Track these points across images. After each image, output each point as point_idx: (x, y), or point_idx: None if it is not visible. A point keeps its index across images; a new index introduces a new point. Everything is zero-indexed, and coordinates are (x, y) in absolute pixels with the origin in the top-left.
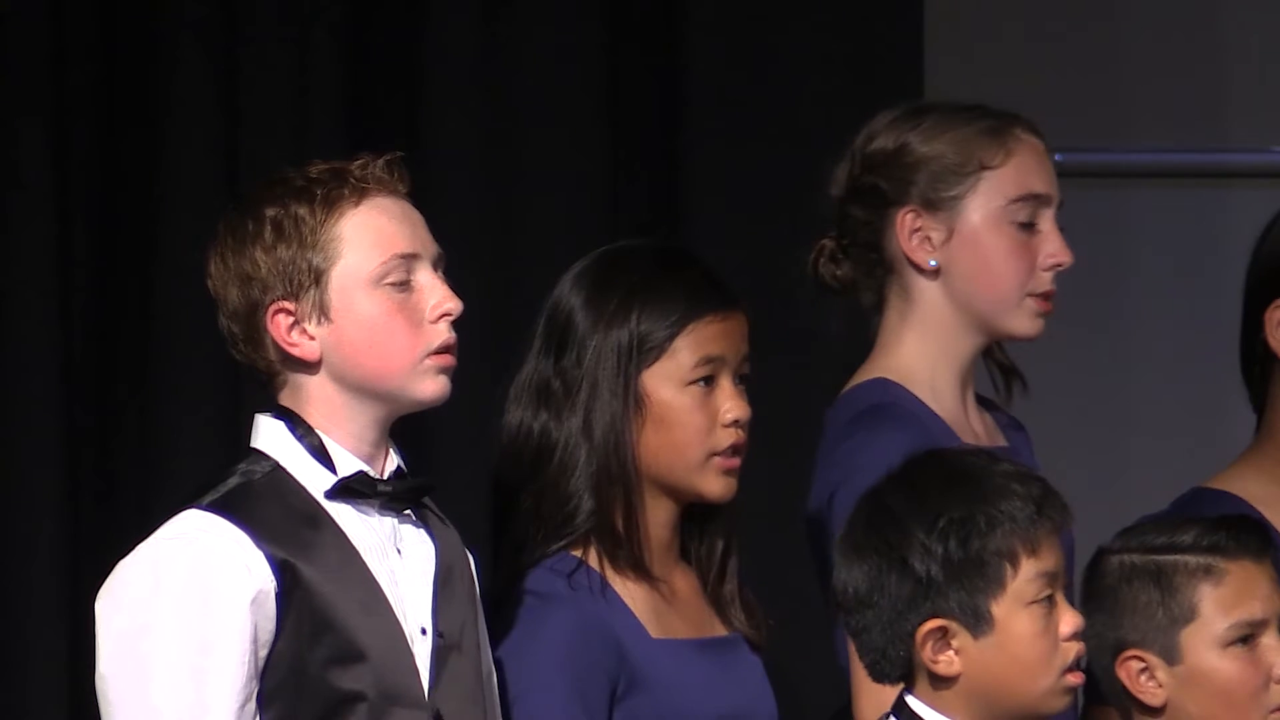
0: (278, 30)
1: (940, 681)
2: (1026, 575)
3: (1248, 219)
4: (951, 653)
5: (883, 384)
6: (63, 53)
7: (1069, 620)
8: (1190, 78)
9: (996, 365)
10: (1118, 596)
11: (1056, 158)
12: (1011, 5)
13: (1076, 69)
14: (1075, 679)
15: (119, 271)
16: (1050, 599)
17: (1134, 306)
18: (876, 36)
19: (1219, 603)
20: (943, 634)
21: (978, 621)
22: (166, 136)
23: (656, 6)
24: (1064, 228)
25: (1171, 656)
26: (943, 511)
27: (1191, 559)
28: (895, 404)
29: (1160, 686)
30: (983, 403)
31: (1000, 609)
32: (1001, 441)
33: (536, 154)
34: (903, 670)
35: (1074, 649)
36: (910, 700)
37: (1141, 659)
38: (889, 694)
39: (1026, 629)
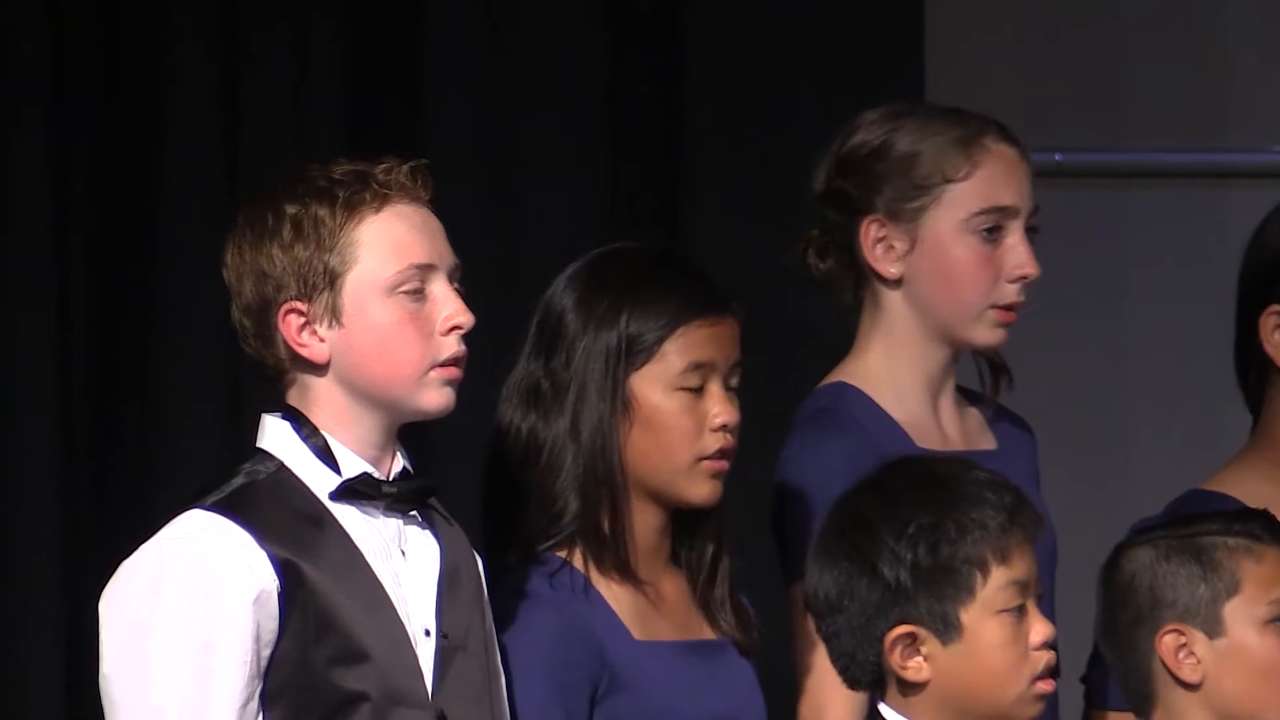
0: (278, 30)
1: (909, 688)
2: (997, 583)
3: (1248, 219)
4: (920, 659)
5: (839, 388)
6: (62, 52)
7: (1040, 630)
8: (1190, 78)
9: (985, 360)
10: (1155, 574)
11: (1056, 158)
12: (1011, 5)
13: (1076, 69)
14: (1046, 687)
15: (118, 271)
16: (1021, 608)
17: (1134, 306)
18: (876, 36)
19: (1260, 580)
20: (911, 640)
21: (946, 628)
22: (167, 136)
23: (657, 7)
24: (1038, 229)
25: (1214, 630)
26: (913, 518)
27: (1231, 539)
28: (840, 410)
29: (1199, 662)
30: (979, 402)
31: (969, 616)
32: (986, 445)
33: (536, 154)
34: (873, 676)
35: (1044, 658)
36: (882, 708)
37: (1181, 633)
38: (827, 700)
39: (996, 637)
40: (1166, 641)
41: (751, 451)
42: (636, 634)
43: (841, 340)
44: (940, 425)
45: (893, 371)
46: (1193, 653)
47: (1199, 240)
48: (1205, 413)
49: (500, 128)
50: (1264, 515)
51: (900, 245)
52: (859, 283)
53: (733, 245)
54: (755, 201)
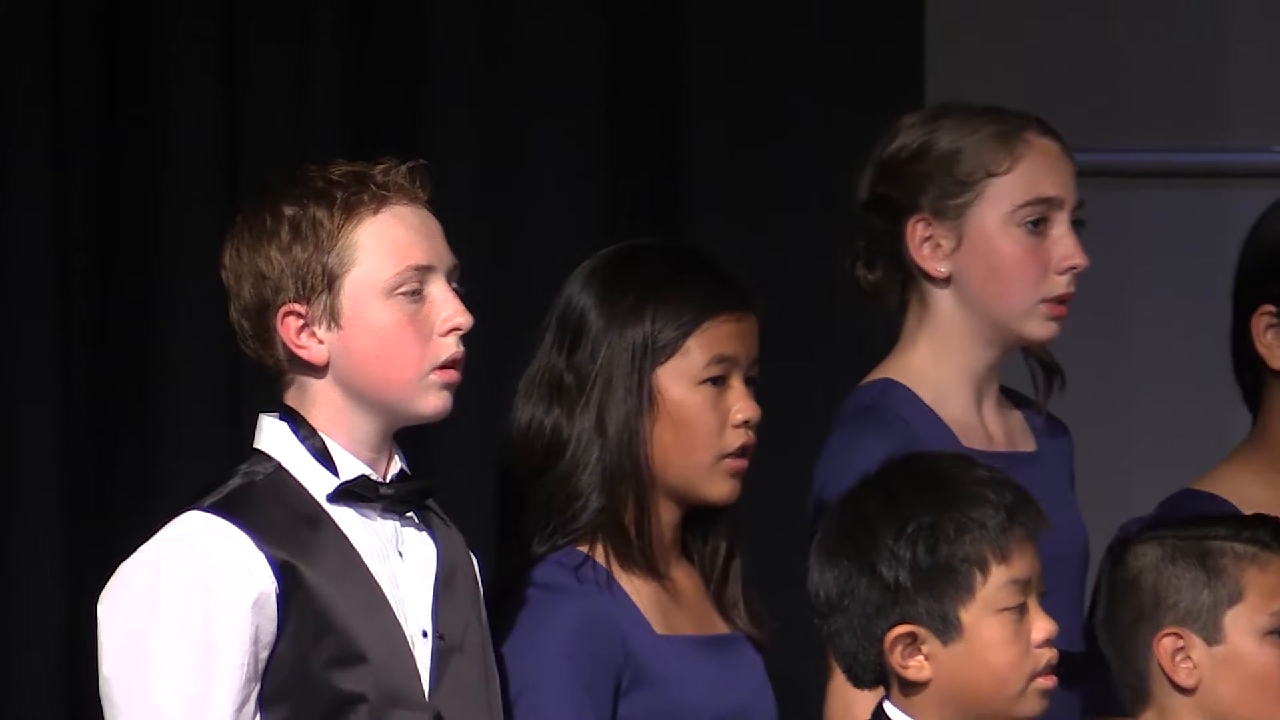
0: (278, 30)
1: (911, 687)
2: (997, 582)
3: (1248, 219)
4: (921, 658)
5: (885, 385)
6: (63, 53)
7: (1041, 627)
8: (1190, 78)
9: (1038, 361)
10: (1160, 575)
11: None
12: (1012, 5)
13: (1076, 69)
14: (1047, 682)
15: (118, 272)
16: (1022, 606)
17: (1134, 306)
18: (876, 36)
19: (1264, 590)
20: (912, 639)
21: (946, 628)
22: (167, 137)
23: (657, 7)
24: (1085, 224)
25: (1212, 636)
26: (912, 518)
27: (1239, 545)
28: (885, 407)
29: (1195, 667)
30: (1024, 404)
31: (969, 616)
32: (1027, 446)
33: (536, 154)
34: (875, 674)
35: (1045, 655)
36: (887, 706)
37: (1179, 636)
38: (854, 696)
39: (996, 636)
40: (1165, 644)
41: (758, 448)
42: (658, 628)
43: (849, 340)
44: (984, 425)
45: (939, 369)
46: (1189, 657)
47: (1199, 240)
48: (1205, 412)
49: (500, 128)
50: (1274, 522)
51: (947, 243)
52: (906, 286)
53: (733, 246)
54: (755, 201)
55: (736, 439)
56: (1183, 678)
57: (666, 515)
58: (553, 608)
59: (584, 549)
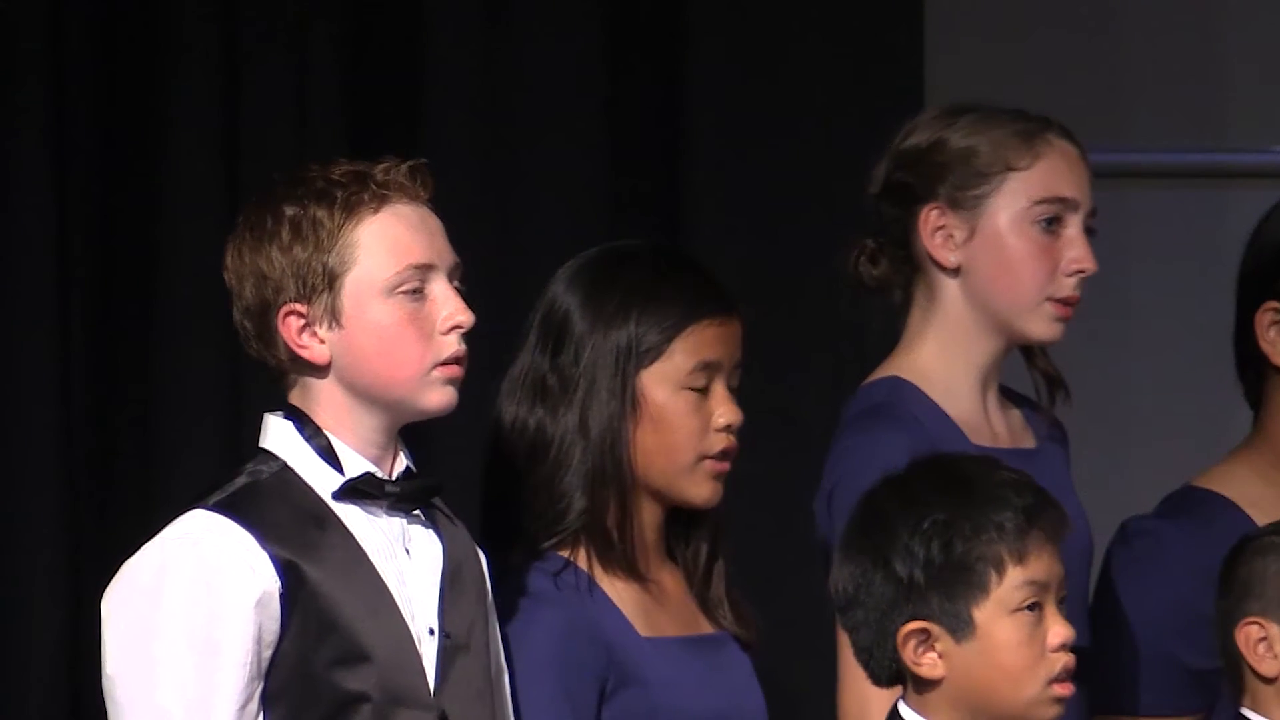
0: (278, 31)
1: (924, 685)
2: (1012, 583)
3: (1249, 219)
4: (934, 655)
5: (893, 382)
6: (63, 54)
7: (1058, 631)
8: (1190, 78)
9: (1040, 373)
10: (1253, 567)
11: None
12: (1012, 6)
13: (1076, 69)
14: (1063, 690)
15: (119, 273)
16: (1038, 608)
17: (1133, 306)
18: (876, 37)
19: None
20: (925, 636)
21: (959, 625)
22: (167, 138)
23: (657, 8)
24: (1096, 232)
25: None
26: (927, 515)
27: None
28: (896, 404)
29: (1276, 657)
30: (1022, 403)
31: (982, 614)
32: (1028, 443)
33: (536, 155)
34: (891, 671)
35: (1061, 660)
36: (900, 707)
37: (1261, 626)
38: (870, 694)
39: (1010, 636)
40: (1247, 632)
41: (750, 451)
42: (642, 630)
43: (848, 341)
44: (989, 422)
45: (946, 365)
46: (1271, 648)
47: (1199, 240)
48: (1206, 412)
49: (500, 128)
50: None
51: (959, 234)
52: (912, 279)
53: (732, 246)
54: (755, 202)
55: (718, 442)
56: (1265, 667)
57: (649, 516)
58: (533, 616)
59: (566, 553)
